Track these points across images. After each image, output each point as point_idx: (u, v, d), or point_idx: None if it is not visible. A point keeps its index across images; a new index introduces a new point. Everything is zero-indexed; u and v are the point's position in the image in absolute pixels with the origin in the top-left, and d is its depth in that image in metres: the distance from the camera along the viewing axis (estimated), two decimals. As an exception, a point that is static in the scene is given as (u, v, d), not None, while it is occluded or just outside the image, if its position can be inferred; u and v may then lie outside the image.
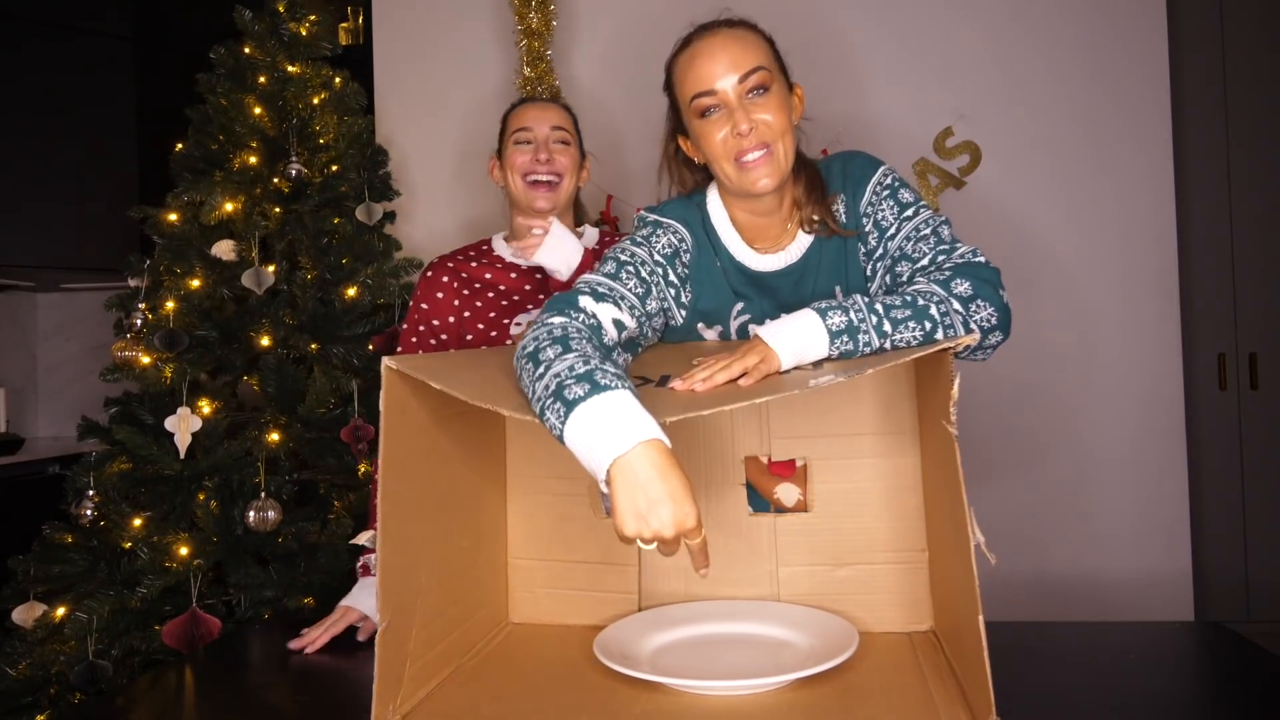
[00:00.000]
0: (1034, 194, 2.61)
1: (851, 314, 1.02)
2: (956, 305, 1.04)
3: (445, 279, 1.59)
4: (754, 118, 1.15)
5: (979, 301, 1.05)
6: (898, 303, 1.03)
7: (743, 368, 0.98)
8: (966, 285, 1.05)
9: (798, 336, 1.01)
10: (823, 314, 1.02)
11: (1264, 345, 3.37)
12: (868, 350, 1.01)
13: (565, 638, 1.11)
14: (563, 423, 0.87)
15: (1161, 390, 2.55)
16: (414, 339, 1.58)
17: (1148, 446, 2.55)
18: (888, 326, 1.01)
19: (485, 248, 1.65)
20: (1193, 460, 2.78)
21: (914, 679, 0.93)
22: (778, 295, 1.25)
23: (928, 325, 1.02)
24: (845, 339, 1.01)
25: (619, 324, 1.08)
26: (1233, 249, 3.38)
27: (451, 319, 1.58)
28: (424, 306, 1.59)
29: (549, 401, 0.89)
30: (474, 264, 1.61)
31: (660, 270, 1.19)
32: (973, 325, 1.04)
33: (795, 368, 1.01)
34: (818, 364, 1.03)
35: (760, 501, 1.15)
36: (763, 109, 1.15)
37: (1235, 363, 3.39)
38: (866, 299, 1.04)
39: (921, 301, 1.03)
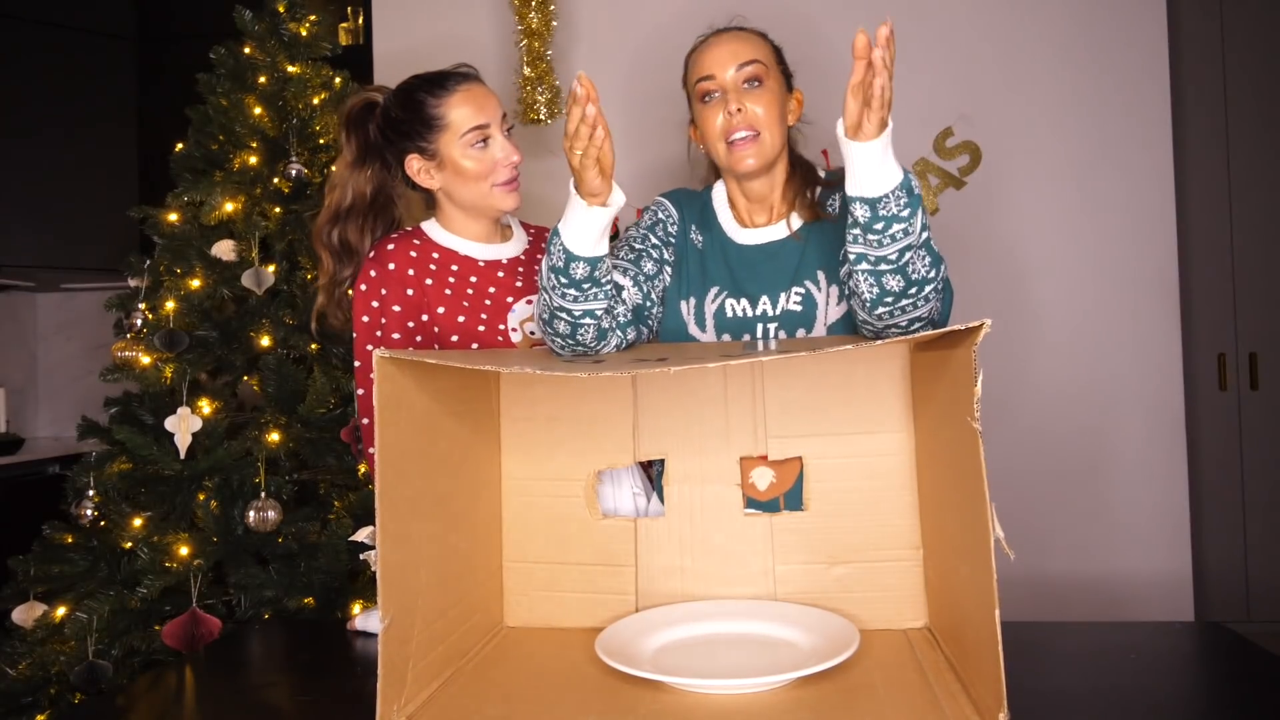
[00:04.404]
0: (1034, 194, 2.61)
1: (919, 197, 1.06)
2: (940, 285, 1.13)
3: (395, 248, 1.47)
4: (745, 102, 1.29)
5: (941, 295, 1.16)
6: (932, 244, 1.10)
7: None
8: (945, 273, 1.17)
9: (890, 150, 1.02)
10: (907, 174, 1.05)
11: (1264, 345, 3.38)
12: (904, 228, 1.05)
13: (563, 640, 1.11)
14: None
15: (1161, 390, 2.55)
16: (365, 317, 1.46)
17: (1148, 446, 2.55)
18: (925, 236, 1.08)
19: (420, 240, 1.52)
20: (1193, 460, 2.78)
21: (915, 675, 0.94)
22: (754, 271, 1.36)
23: (931, 273, 1.10)
24: (911, 193, 1.04)
25: (618, 286, 1.26)
26: (1233, 249, 3.39)
27: (410, 291, 1.45)
28: (371, 274, 1.45)
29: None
30: (432, 252, 1.50)
31: (645, 237, 1.38)
32: (931, 312, 1.15)
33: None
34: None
35: (756, 501, 1.15)
36: (755, 99, 1.30)
37: (1235, 363, 3.39)
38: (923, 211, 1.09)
39: (938, 256, 1.12)
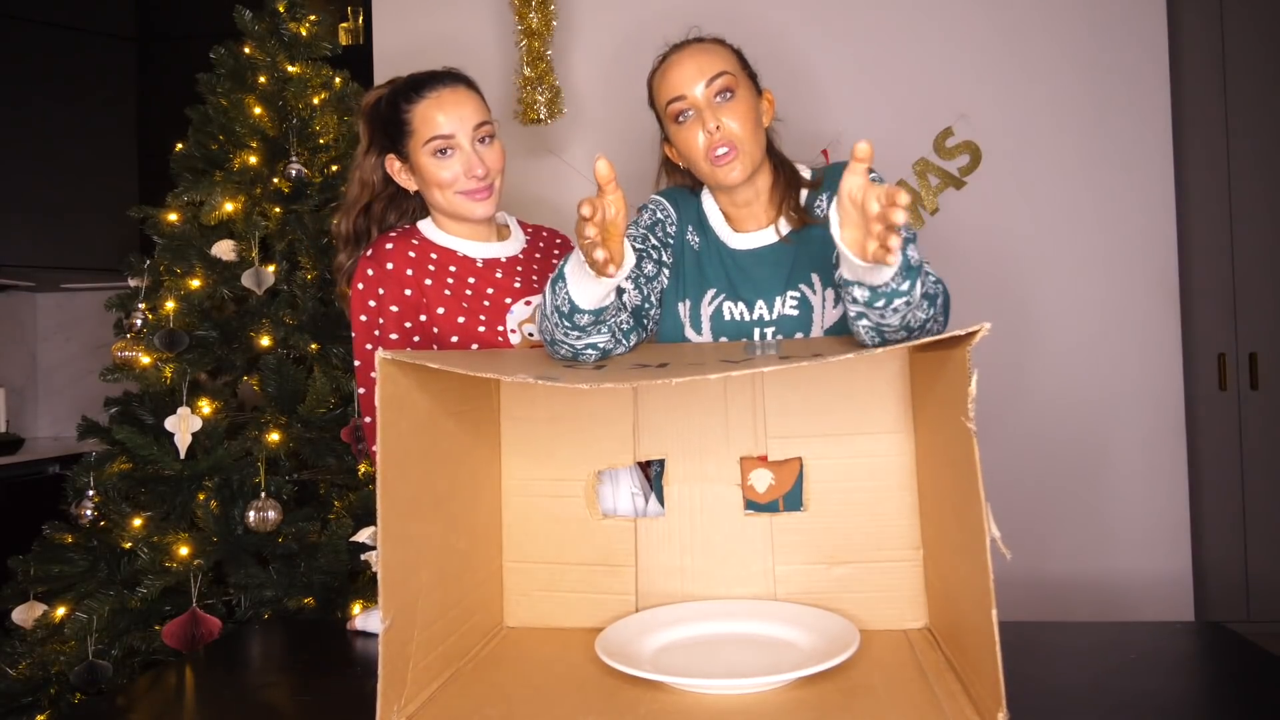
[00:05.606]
0: (1034, 194, 2.61)
1: (919, 264, 1.01)
2: (941, 314, 1.11)
3: (393, 248, 1.45)
4: (721, 118, 1.27)
5: (940, 316, 1.11)
6: (929, 280, 1.06)
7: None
8: (942, 299, 1.12)
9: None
10: (904, 250, 0.98)
11: (1264, 345, 3.37)
12: (906, 300, 0.99)
13: (563, 640, 1.11)
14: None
15: (1161, 390, 2.56)
16: (363, 316, 1.44)
17: (1148, 446, 2.55)
18: (923, 288, 1.02)
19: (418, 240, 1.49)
20: (1193, 460, 2.78)
21: (914, 676, 0.94)
22: (750, 275, 1.35)
23: (931, 310, 1.07)
24: (910, 268, 0.99)
25: (618, 288, 1.13)
26: (1233, 249, 3.39)
27: (409, 291, 1.43)
28: (369, 273, 1.43)
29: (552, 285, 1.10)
30: (431, 252, 1.49)
31: (645, 237, 1.36)
32: (938, 328, 1.11)
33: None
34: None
35: (755, 503, 1.15)
36: (729, 112, 1.28)
37: (1235, 363, 3.39)
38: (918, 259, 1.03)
39: (933, 290, 1.08)
